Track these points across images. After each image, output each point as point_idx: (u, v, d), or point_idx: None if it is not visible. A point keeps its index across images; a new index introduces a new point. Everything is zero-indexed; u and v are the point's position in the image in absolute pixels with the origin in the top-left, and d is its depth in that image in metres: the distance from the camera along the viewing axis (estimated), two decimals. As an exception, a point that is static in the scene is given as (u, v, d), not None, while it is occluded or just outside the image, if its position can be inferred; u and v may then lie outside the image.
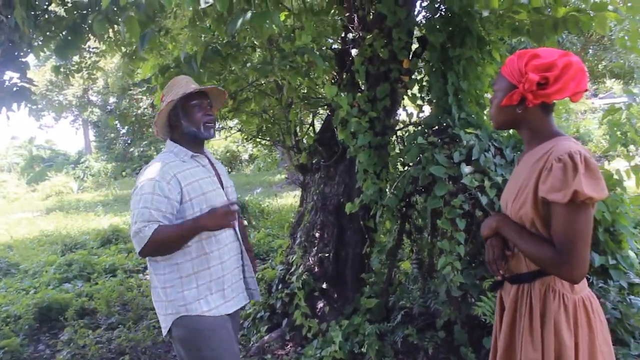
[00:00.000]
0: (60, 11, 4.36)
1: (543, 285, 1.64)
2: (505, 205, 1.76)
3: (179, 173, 2.19)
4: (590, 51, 11.91)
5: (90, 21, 3.30)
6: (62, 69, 5.37)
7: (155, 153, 25.08)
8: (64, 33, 3.97)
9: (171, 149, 2.31)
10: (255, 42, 3.90)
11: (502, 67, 1.69)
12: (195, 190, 2.21)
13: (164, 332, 2.26)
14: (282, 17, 3.96)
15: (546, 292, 1.63)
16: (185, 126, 2.27)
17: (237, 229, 2.44)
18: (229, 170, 25.54)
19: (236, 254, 2.40)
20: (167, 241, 2.11)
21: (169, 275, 2.19)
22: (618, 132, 3.29)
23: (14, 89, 3.95)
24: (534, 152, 1.64)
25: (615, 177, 3.32)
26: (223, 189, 2.39)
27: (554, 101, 1.62)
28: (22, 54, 4.03)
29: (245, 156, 25.81)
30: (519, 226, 1.66)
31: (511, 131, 3.38)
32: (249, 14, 2.47)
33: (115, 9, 2.95)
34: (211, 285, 2.25)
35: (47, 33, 4.21)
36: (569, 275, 1.53)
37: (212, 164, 2.42)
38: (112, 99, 24.31)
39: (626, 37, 3.16)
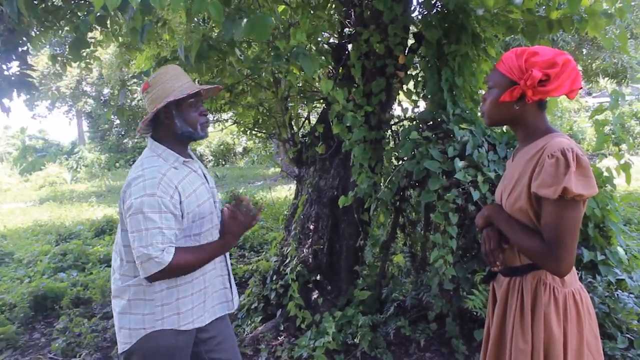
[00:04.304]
0: (58, 0, 4.36)
1: (534, 278, 1.67)
2: (500, 199, 1.79)
3: (179, 184, 1.96)
4: (585, 50, 11.97)
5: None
6: (59, 58, 5.36)
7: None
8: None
9: (158, 151, 2.03)
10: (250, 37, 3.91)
11: (497, 64, 1.70)
12: (192, 203, 2.00)
13: (124, 347, 2.01)
14: (280, 9, 3.96)
15: (537, 285, 1.66)
16: (180, 126, 2.02)
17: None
18: (223, 163, 25.52)
19: (220, 262, 2.21)
20: (187, 267, 1.96)
21: (146, 287, 1.97)
22: (605, 131, 3.34)
23: (12, 77, 3.96)
24: (529, 149, 1.66)
25: (606, 174, 3.37)
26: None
27: (548, 98, 1.66)
28: (20, 42, 4.03)
29: (239, 149, 25.78)
30: (510, 217, 1.69)
31: (505, 127, 3.43)
32: (244, 22, 2.36)
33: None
34: (193, 298, 2.05)
35: (45, 23, 4.21)
36: (555, 269, 1.57)
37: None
38: (106, 90, 24.22)
39: (614, 37, 3.19)
